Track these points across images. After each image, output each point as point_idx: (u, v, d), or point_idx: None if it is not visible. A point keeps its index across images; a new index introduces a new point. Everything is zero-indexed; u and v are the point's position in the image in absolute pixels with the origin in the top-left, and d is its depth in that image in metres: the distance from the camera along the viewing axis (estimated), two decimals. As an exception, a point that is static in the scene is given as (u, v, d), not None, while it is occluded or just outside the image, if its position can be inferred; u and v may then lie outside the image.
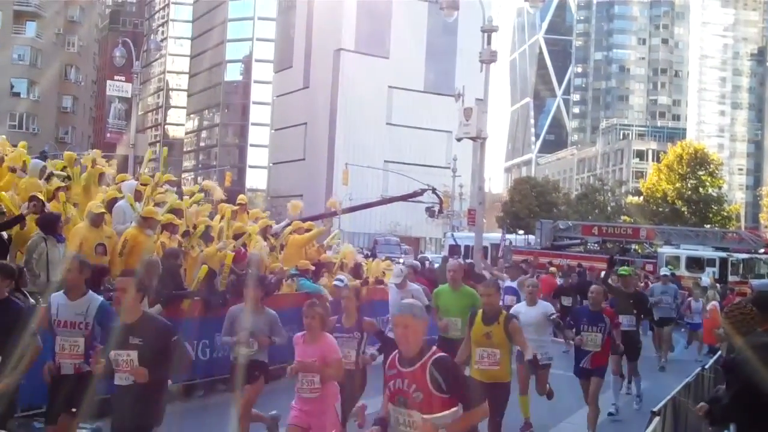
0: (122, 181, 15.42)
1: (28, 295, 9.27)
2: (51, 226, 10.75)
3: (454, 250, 42.73)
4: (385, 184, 77.50)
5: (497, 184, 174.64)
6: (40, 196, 11.71)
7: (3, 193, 11.81)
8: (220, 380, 12.23)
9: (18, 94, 75.85)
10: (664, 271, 23.62)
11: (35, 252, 10.45)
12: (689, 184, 71.56)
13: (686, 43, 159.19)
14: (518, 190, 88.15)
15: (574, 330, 11.01)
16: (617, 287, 14.17)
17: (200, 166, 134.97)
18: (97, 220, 11.94)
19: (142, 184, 15.21)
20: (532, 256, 35.76)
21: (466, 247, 42.71)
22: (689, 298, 22.53)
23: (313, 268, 15.83)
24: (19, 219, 10.98)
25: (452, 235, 50.28)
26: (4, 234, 10.88)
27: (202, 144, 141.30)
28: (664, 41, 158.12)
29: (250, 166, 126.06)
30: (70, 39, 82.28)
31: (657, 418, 6.09)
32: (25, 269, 9.92)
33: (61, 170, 14.63)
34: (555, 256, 39.02)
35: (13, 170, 12.69)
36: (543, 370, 11.11)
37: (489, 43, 22.57)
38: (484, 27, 22.68)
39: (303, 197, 71.38)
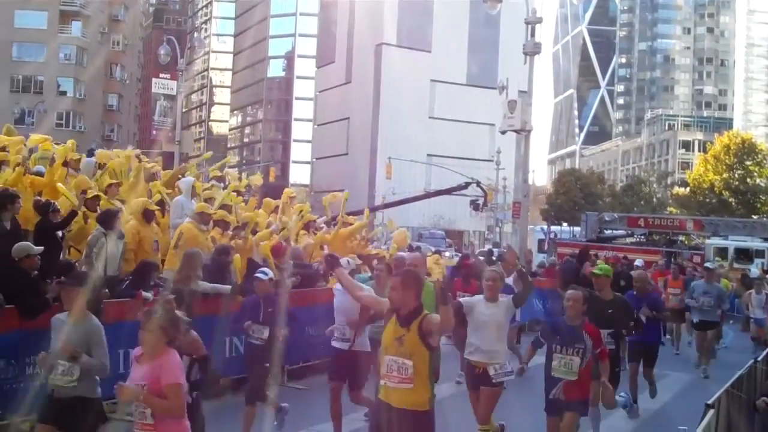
0: (169, 178, 15.57)
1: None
2: (110, 221, 10.92)
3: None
4: (427, 177, 77.43)
5: (541, 176, 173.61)
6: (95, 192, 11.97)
7: (61, 185, 12.03)
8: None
9: (64, 93, 76.81)
10: (709, 264, 21.60)
11: (95, 246, 10.62)
12: (737, 175, 70.54)
13: (732, 32, 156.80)
14: (562, 183, 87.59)
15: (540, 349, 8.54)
16: (591, 292, 9.68)
17: (244, 162, 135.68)
18: (150, 217, 12.15)
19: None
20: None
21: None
22: (748, 291, 20.45)
23: (360, 261, 15.87)
24: (73, 215, 11.17)
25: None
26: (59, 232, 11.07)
27: (245, 140, 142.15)
28: (710, 30, 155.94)
29: (294, 162, 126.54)
30: (114, 37, 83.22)
31: (711, 411, 6.02)
32: (77, 263, 10.09)
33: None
34: (600, 248, 38.64)
35: (66, 164, 12.85)
36: (493, 389, 8.39)
37: (533, 34, 22.48)
38: (528, 19, 22.59)
39: (346, 192, 71.72)
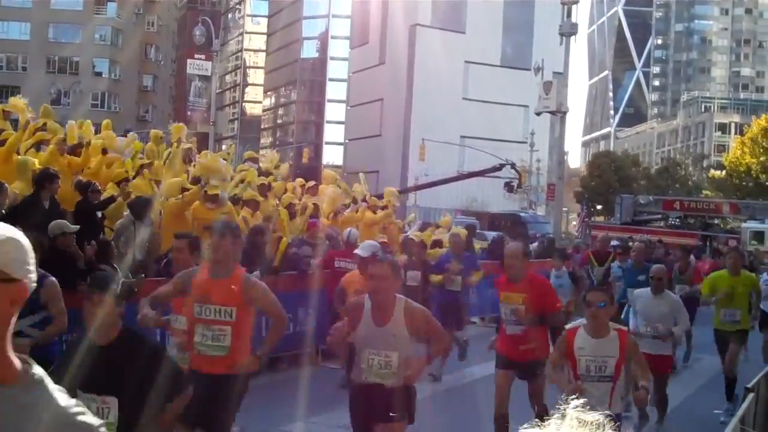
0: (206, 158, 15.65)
1: (117, 268, 9.52)
2: (142, 210, 10.98)
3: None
4: (461, 159, 77.15)
5: (575, 158, 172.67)
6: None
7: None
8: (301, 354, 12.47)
9: (99, 74, 77.43)
10: None
11: (123, 234, 10.71)
12: (774, 158, 69.81)
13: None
14: (597, 165, 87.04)
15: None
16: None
17: (277, 143, 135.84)
18: (213, 199, 12.37)
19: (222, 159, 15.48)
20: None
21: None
22: None
23: (387, 241, 15.96)
24: (112, 200, 11.29)
25: None
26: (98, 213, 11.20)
27: (279, 121, 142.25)
28: (748, 11, 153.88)
29: (327, 143, 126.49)
30: (149, 18, 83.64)
31: (751, 395, 5.98)
32: (112, 243, 10.21)
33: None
34: (635, 232, 38.44)
35: (105, 152, 12.98)
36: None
37: (569, 15, 22.34)
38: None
39: (378, 173, 71.54)
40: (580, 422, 1.69)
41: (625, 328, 6.49)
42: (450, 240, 14.61)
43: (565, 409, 1.73)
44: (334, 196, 16.58)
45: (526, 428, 1.81)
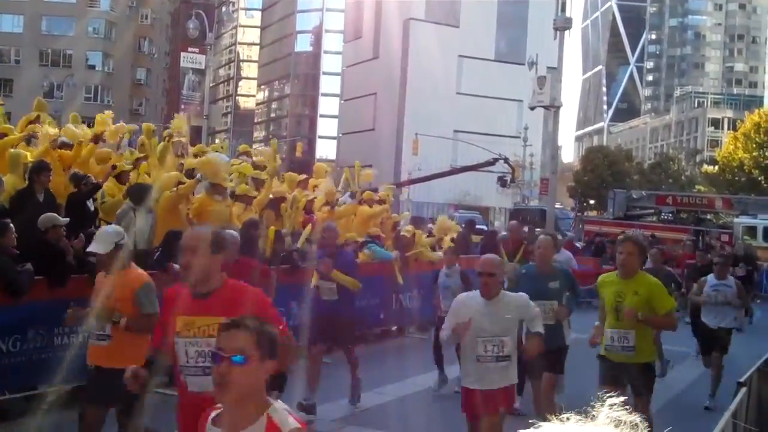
0: (200, 152, 15.58)
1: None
2: (141, 196, 10.98)
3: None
4: (454, 154, 77.05)
5: (568, 153, 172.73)
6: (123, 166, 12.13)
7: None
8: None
9: (93, 67, 77.31)
10: None
11: (123, 221, 10.68)
12: (767, 153, 69.90)
13: (765, 8, 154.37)
14: (590, 160, 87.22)
15: None
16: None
17: (271, 137, 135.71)
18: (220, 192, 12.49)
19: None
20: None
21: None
22: None
23: (383, 234, 15.96)
24: (98, 188, 11.28)
25: None
26: (90, 204, 11.18)
27: (272, 115, 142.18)
28: (742, 6, 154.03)
29: (320, 137, 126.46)
30: (143, 11, 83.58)
31: (744, 389, 5.99)
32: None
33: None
34: (628, 227, 38.48)
35: (96, 141, 12.91)
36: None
37: (563, 9, 22.37)
38: (558, -6, 22.46)
39: (372, 167, 71.49)
40: (615, 423, 1.67)
41: None
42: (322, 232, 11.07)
43: (598, 409, 1.71)
44: (328, 190, 16.54)
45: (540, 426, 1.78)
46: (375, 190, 17.92)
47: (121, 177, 12.31)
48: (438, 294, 11.37)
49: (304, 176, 17.39)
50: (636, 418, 1.69)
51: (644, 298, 7.31)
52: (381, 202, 17.17)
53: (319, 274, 10.11)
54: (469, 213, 50.26)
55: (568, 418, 1.70)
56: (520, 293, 7.11)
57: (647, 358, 7.53)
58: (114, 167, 12.22)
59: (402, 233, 16.55)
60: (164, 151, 14.53)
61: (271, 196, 14.11)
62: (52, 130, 12.67)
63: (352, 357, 10.17)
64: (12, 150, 11.41)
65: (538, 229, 17.01)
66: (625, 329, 7.32)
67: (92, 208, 11.24)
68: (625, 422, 1.66)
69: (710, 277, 12.07)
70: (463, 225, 19.63)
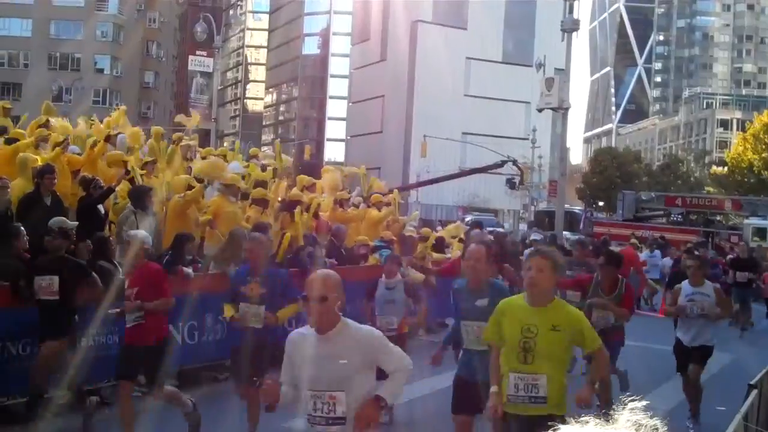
0: (208, 155, 15.62)
1: (118, 265, 9.52)
2: (141, 199, 11.00)
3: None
4: (462, 156, 77.04)
5: (576, 155, 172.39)
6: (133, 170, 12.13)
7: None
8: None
9: (101, 70, 77.50)
10: None
11: (125, 224, 10.70)
12: (776, 154, 69.76)
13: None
14: (599, 161, 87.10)
15: None
16: None
17: (279, 140, 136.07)
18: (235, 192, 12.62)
19: (221, 155, 15.49)
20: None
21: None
22: None
23: (395, 238, 15.89)
24: (110, 191, 11.27)
25: None
26: (101, 208, 11.19)
27: (280, 118, 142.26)
28: (750, 7, 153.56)
29: (328, 140, 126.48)
30: (150, 15, 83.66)
31: (755, 391, 5.96)
32: (110, 239, 10.22)
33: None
34: (637, 228, 38.38)
35: (107, 139, 12.93)
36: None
37: (571, 11, 22.33)
38: (566, -5, 22.42)
39: (380, 170, 71.54)
40: (636, 427, 1.65)
41: None
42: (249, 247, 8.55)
43: (618, 412, 1.70)
44: (333, 184, 16.51)
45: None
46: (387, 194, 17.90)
47: (134, 181, 12.36)
48: (371, 310, 9.77)
49: (312, 180, 17.36)
50: (656, 422, 1.67)
51: (568, 336, 5.53)
52: (387, 204, 17.18)
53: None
54: (483, 215, 50.30)
55: (587, 421, 1.69)
56: (370, 327, 5.14)
57: (559, 409, 5.46)
58: (128, 172, 12.22)
59: (407, 234, 16.44)
60: (172, 154, 14.57)
61: (284, 198, 14.15)
62: (67, 126, 12.75)
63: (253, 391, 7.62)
64: (21, 154, 11.42)
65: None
66: (534, 374, 5.49)
67: (103, 211, 11.25)
68: (645, 426, 1.64)
69: (685, 284, 10.07)
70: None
